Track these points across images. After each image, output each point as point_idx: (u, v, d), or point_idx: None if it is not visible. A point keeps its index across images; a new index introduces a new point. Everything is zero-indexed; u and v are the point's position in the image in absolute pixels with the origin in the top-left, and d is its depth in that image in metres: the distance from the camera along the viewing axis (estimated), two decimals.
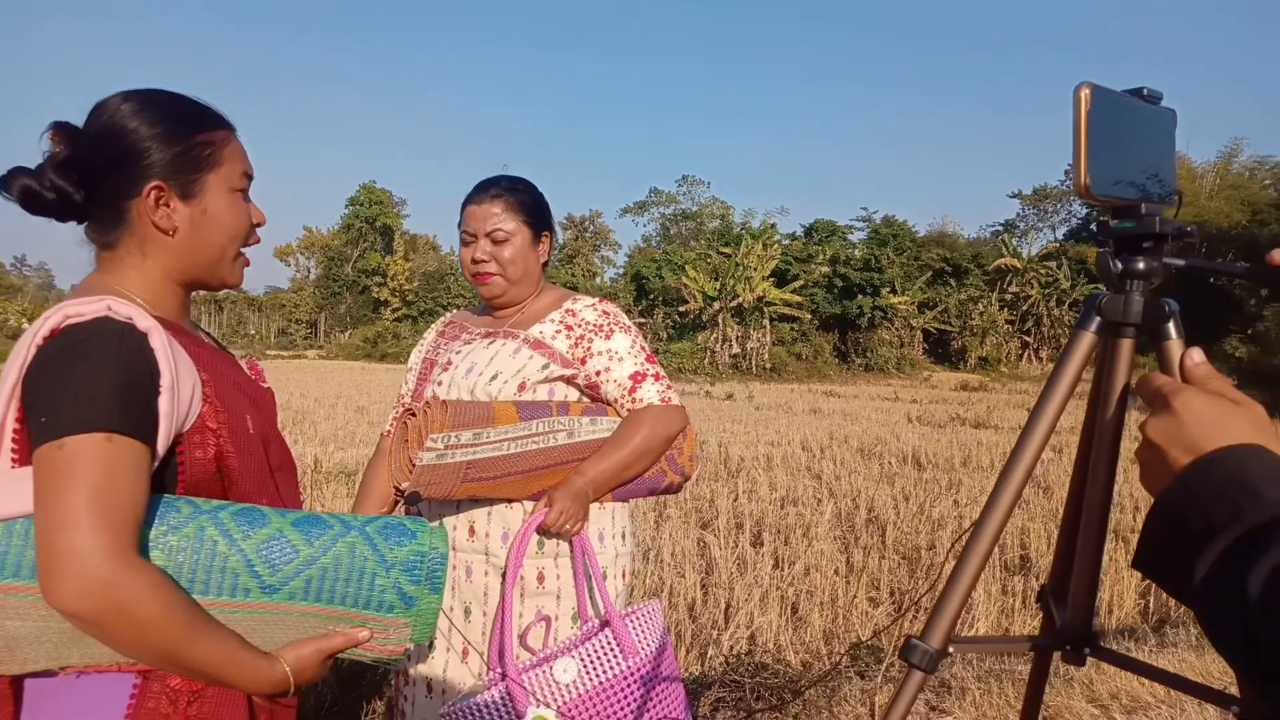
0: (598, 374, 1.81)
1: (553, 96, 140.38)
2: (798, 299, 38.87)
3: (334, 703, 2.95)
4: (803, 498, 7.03)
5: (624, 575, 1.87)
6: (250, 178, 1.17)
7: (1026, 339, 43.66)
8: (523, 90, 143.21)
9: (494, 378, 1.76)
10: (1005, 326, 43.05)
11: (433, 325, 2.11)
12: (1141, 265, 0.87)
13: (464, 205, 1.89)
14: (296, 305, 64.25)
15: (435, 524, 1.71)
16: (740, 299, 37.26)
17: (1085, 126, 0.78)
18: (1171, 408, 0.65)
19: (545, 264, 1.93)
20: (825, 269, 41.63)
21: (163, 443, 0.98)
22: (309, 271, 68.99)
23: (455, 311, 2.12)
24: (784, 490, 7.30)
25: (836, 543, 5.60)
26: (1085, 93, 0.78)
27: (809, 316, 40.06)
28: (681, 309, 39.38)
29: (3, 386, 0.96)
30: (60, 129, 1.04)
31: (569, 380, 1.82)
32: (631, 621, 1.65)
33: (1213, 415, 0.63)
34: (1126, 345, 0.91)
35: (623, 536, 1.87)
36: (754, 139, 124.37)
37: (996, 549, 5.33)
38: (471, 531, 1.77)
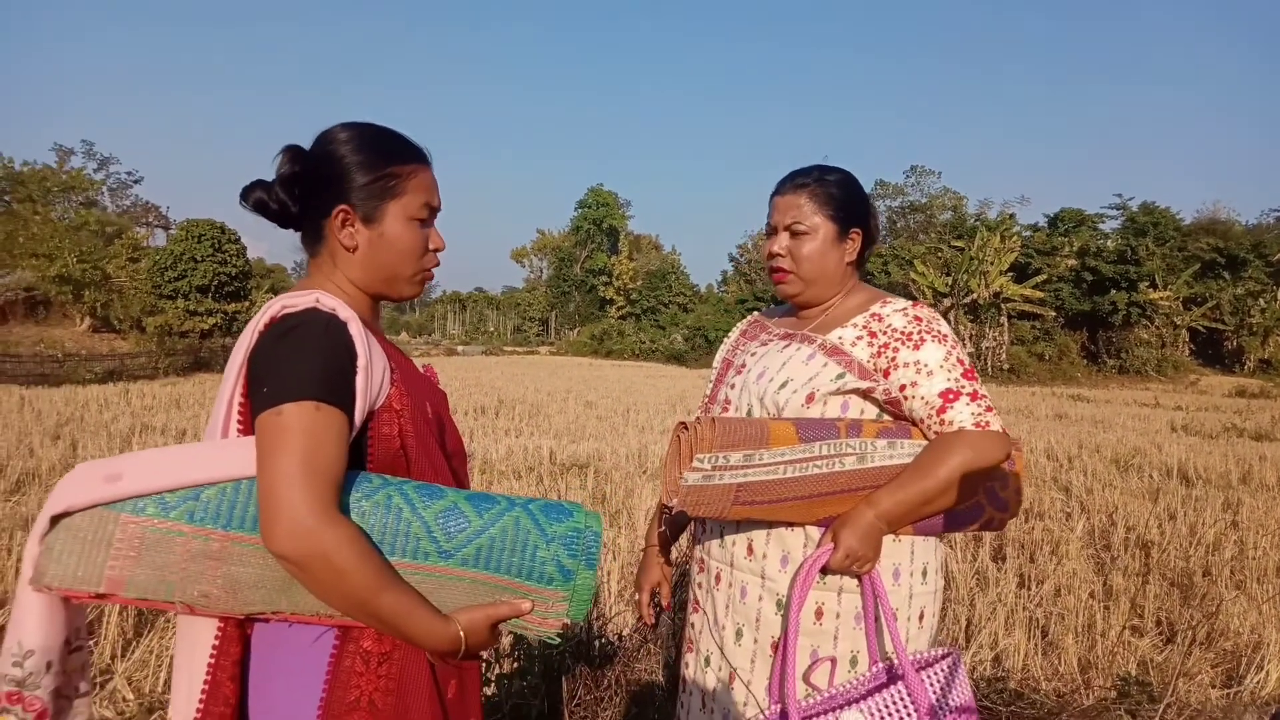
0: (902, 389, 1.57)
1: (776, 91, 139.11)
2: (1040, 294, 36.03)
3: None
4: (1049, 511, 6.50)
5: (921, 617, 1.65)
6: (434, 209, 1.29)
7: None
8: (744, 87, 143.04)
9: (784, 385, 1.62)
10: None
11: (737, 324, 1.98)
12: None
13: (771, 196, 1.75)
14: (530, 304, 68.12)
15: (717, 540, 1.70)
16: (975, 295, 35.12)
17: None
18: None
19: (854, 263, 1.74)
20: (1072, 262, 38.25)
21: (358, 416, 1.10)
22: (541, 272, 72.92)
23: (762, 310, 1.98)
24: (1027, 502, 6.77)
25: (1090, 562, 5.12)
26: None
27: (1053, 313, 37.04)
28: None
29: (232, 366, 1.13)
30: (290, 150, 1.21)
31: (865, 394, 1.62)
32: (929, 676, 1.48)
33: None
34: None
35: (923, 574, 1.65)
36: (989, 126, 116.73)
37: None
38: (750, 550, 1.65)
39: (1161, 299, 36.57)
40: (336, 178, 1.20)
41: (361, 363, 1.11)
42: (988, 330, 35.28)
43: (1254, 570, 4.97)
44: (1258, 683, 3.45)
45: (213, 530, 1.04)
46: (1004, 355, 34.62)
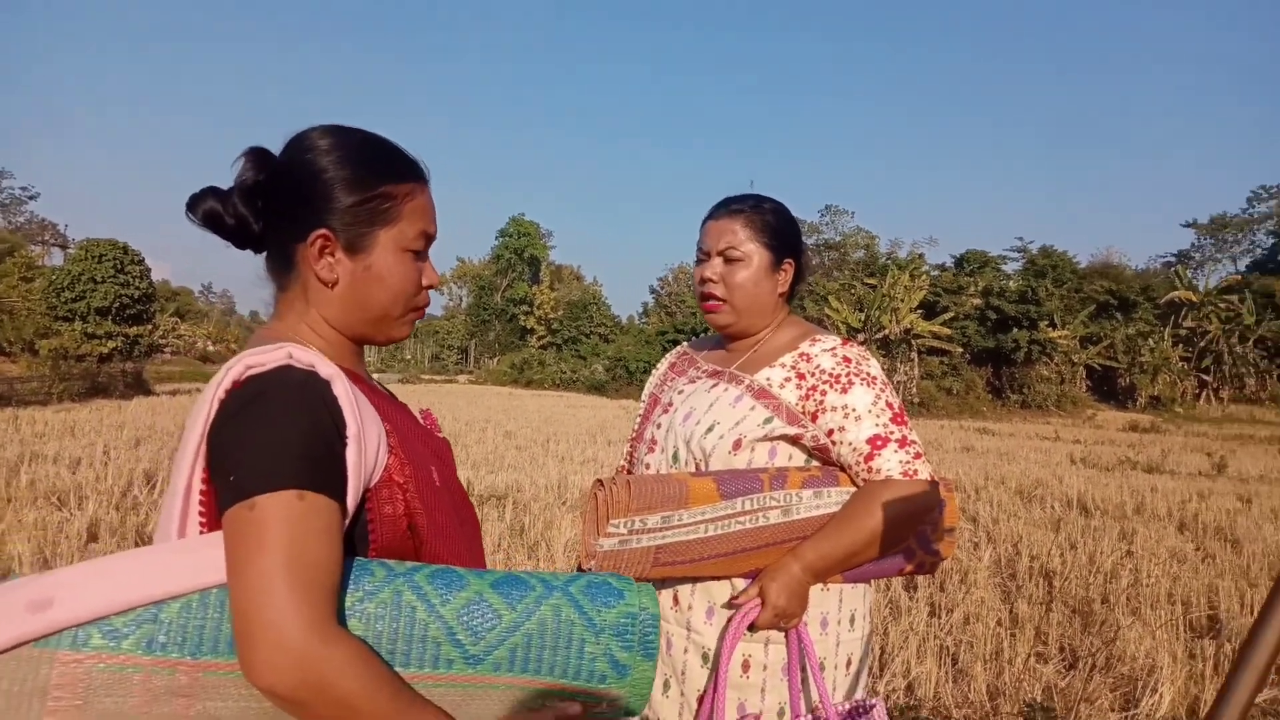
0: (830, 434, 1.53)
1: (693, 128, 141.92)
2: (947, 331, 37.36)
3: None
4: (958, 541, 6.68)
5: (849, 664, 1.62)
6: (430, 238, 1.08)
7: (1205, 377, 40.25)
8: (659, 122, 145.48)
9: (710, 429, 1.56)
10: (1180, 364, 39.87)
11: (666, 356, 1.93)
12: None
13: (704, 221, 1.71)
14: (449, 332, 67.22)
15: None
16: (886, 330, 36.19)
17: None
18: None
19: (786, 295, 1.71)
20: (977, 301, 39.85)
21: (351, 499, 0.90)
22: (461, 300, 72.13)
23: (692, 341, 1.93)
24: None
25: (997, 591, 5.27)
26: None
27: (960, 350, 38.41)
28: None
29: (187, 445, 0.91)
30: (254, 154, 1.00)
31: (794, 440, 1.57)
32: None
33: None
34: None
35: (851, 621, 1.62)
36: (901, 169, 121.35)
37: (1180, 607, 4.91)
38: (675, 601, 1.60)
39: (1060, 337, 38.32)
40: (315, 195, 0.99)
41: (351, 432, 0.90)
42: (899, 365, 36.36)
43: (1148, 597, 5.21)
44: (1153, 705, 3.59)
45: (179, 660, 0.82)
46: (914, 389, 35.68)
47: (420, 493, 1.00)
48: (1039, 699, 3.48)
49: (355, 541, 0.95)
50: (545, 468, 10.05)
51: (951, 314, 38.44)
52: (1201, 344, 40.14)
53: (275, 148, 1.03)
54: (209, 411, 0.90)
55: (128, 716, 0.81)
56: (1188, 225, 55.94)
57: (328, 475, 0.87)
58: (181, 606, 0.83)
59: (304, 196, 0.99)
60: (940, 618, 4.63)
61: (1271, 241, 53.19)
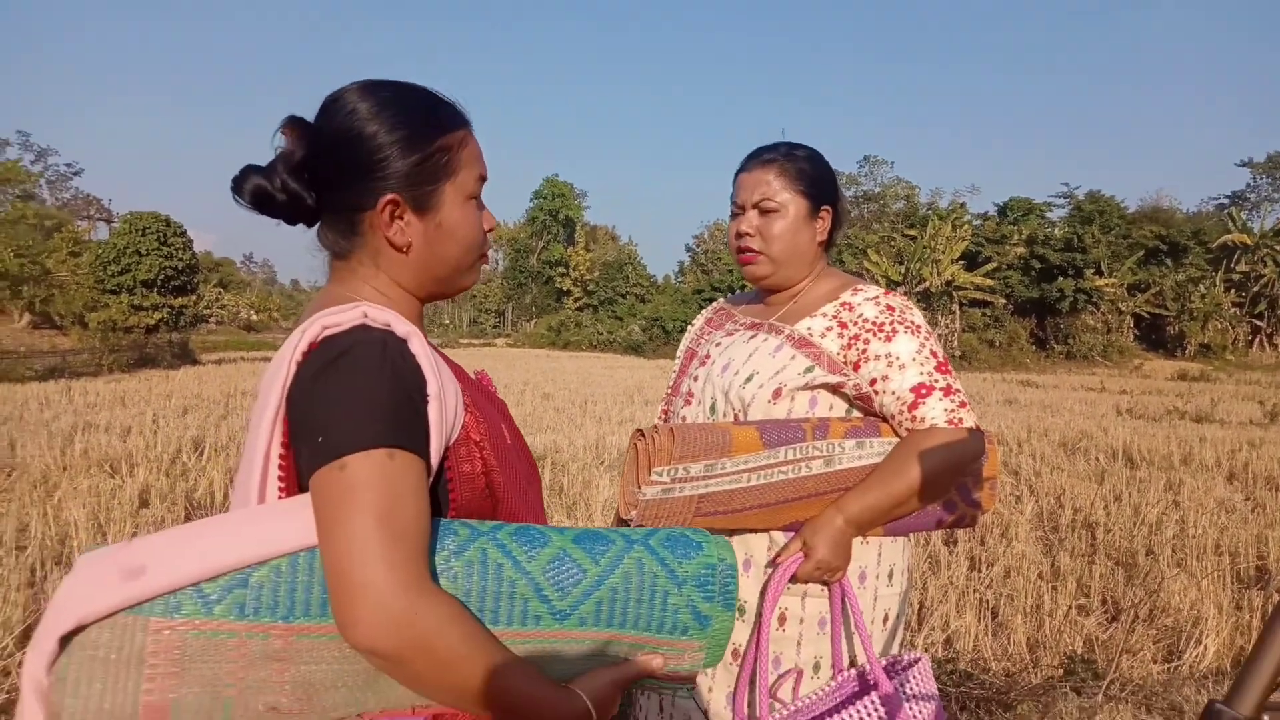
0: (873, 383, 1.51)
1: (727, 81, 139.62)
2: (990, 283, 36.70)
3: None
4: (1001, 495, 6.62)
5: (886, 620, 1.60)
6: (484, 180, 1.07)
7: (1258, 323, 39.16)
8: (698, 78, 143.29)
9: (750, 379, 1.54)
10: (1232, 310, 38.82)
11: (703, 312, 1.89)
12: None
13: (736, 174, 1.67)
14: (486, 296, 67.61)
15: None
16: (927, 283, 35.66)
17: None
18: None
19: (825, 244, 1.67)
20: (1021, 250, 39.01)
21: (435, 457, 0.90)
22: (497, 263, 72.43)
23: (728, 296, 1.89)
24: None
25: (1039, 544, 5.23)
26: None
27: (1003, 301, 37.75)
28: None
29: (264, 410, 0.89)
30: (295, 126, 0.97)
31: (835, 389, 1.54)
32: (903, 685, 1.44)
33: None
34: None
35: (889, 576, 1.60)
36: (941, 116, 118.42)
37: (1228, 558, 4.83)
38: None
39: (1107, 286, 37.47)
40: (374, 161, 0.96)
41: (433, 389, 0.90)
42: (940, 318, 35.86)
43: (1193, 549, 5.12)
44: (1196, 656, 3.56)
45: (271, 624, 0.82)
46: (956, 342, 35.21)
47: (496, 450, 1.00)
48: (1080, 651, 3.46)
49: (437, 500, 0.94)
50: (583, 428, 10.13)
51: (994, 264, 37.71)
52: (1256, 289, 39.00)
53: (310, 113, 1.00)
54: (286, 375, 0.89)
55: (224, 682, 0.81)
56: (1243, 165, 53.90)
57: (415, 433, 0.87)
58: (271, 570, 0.83)
59: (362, 164, 0.97)
60: (980, 571, 4.61)
61: None
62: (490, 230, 1.09)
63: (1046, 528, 5.73)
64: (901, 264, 36.93)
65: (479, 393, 1.07)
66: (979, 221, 42.11)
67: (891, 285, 36.19)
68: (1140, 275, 38.98)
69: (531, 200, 66.01)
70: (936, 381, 1.50)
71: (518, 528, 0.93)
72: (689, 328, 1.89)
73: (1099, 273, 37.76)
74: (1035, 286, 38.24)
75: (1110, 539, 5.39)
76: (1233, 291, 39.34)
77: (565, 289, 61.23)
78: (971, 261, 37.97)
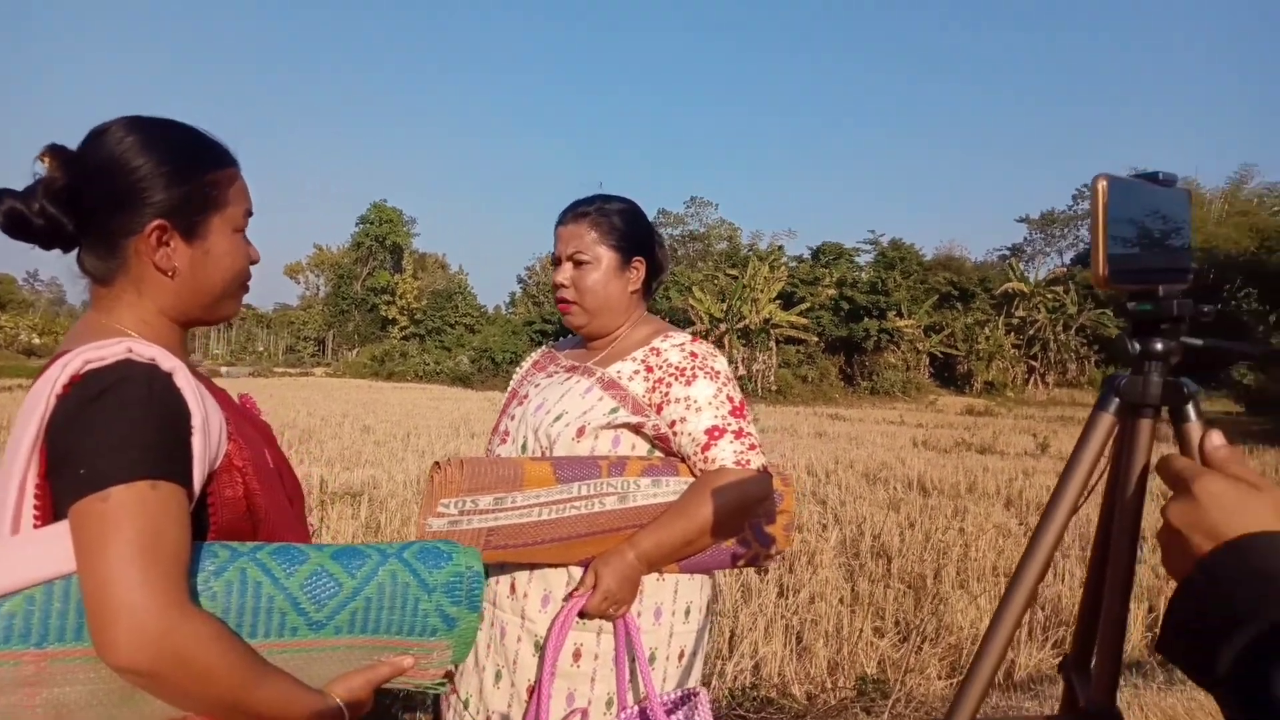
0: (672, 425, 1.59)
1: (561, 117, 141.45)
2: (804, 321, 38.85)
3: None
4: (808, 523, 7.00)
5: (681, 656, 1.65)
6: (251, 215, 1.13)
7: (1033, 363, 43.52)
8: (533, 112, 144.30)
9: (559, 418, 1.60)
10: (1012, 351, 42.92)
11: (531, 354, 1.97)
12: (1159, 346, 0.87)
13: (555, 226, 1.75)
14: (305, 323, 64.49)
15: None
16: (747, 321, 37.26)
17: (1103, 219, 0.79)
18: (1192, 492, 0.64)
19: (640, 293, 1.75)
20: (832, 291, 41.64)
21: (197, 484, 0.95)
22: (318, 289, 69.35)
23: (557, 341, 1.98)
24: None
25: (841, 570, 5.57)
26: (1102, 185, 0.78)
27: (815, 339, 40.04)
28: (688, 330, 39.43)
29: (20, 442, 0.91)
30: (57, 155, 0.99)
31: (637, 429, 1.61)
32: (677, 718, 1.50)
33: (1234, 501, 0.62)
34: (1146, 426, 0.90)
35: (686, 613, 1.65)
36: (763, 162, 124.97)
37: (1004, 579, 5.33)
38: (512, 589, 1.61)
39: (907, 326, 40.54)
40: (143, 188, 1.00)
41: (197, 421, 0.94)
42: (758, 354, 37.54)
43: (974, 570, 5.62)
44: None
45: (23, 651, 0.84)
46: (773, 378, 36.94)
47: (258, 475, 1.05)
48: (872, 672, 3.71)
49: (200, 523, 0.97)
50: (404, 463, 9.83)
51: (808, 304, 39.99)
52: (1031, 332, 43.35)
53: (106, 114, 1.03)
54: (45, 408, 0.90)
55: None
56: (1021, 220, 60.38)
57: (178, 464, 0.92)
58: (24, 599, 0.86)
59: (133, 191, 1.00)
60: (788, 598, 4.85)
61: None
62: (254, 262, 1.15)
63: (849, 554, 6.11)
64: (724, 301, 38.45)
65: (243, 419, 1.12)
66: (795, 263, 44.67)
67: (714, 322, 37.60)
68: (935, 318, 42.46)
69: (357, 225, 63.85)
70: (729, 424, 1.58)
71: (278, 547, 1.00)
72: (517, 369, 1.94)
73: (900, 314, 40.83)
74: (844, 326, 40.88)
75: (904, 564, 5.82)
76: (1012, 334, 43.54)
77: (391, 317, 59.44)
78: (788, 301, 40.10)
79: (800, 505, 7.83)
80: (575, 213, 1.72)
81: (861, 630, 4.30)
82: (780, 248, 46.23)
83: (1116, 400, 0.92)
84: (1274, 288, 34.32)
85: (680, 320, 40.07)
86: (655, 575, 1.59)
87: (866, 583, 5.24)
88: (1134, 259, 0.83)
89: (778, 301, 38.65)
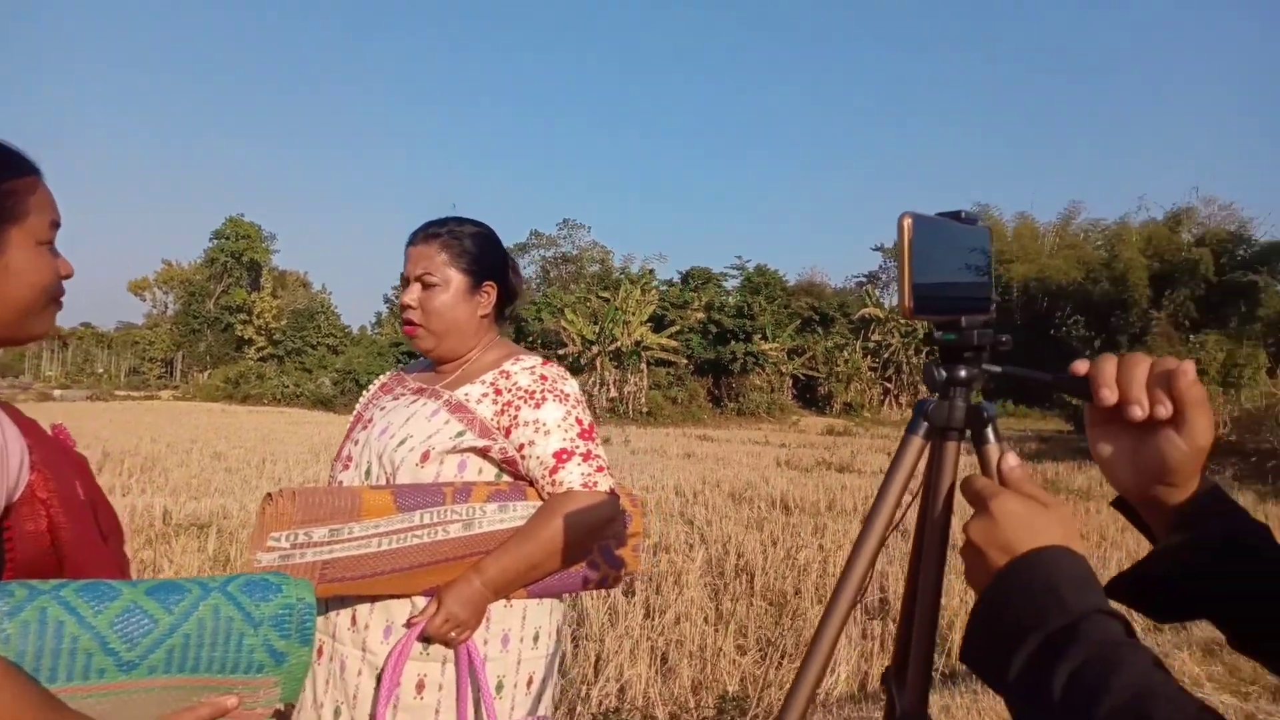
0: (520, 448, 1.59)
1: (430, 135, 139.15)
2: (674, 344, 39.51)
3: None
4: (675, 544, 7.10)
5: (530, 683, 1.63)
6: (58, 226, 1.08)
7: (888, 385, 45.74)
8: (402, 129, 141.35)
9: (403, 442, 1.57)
10: (869, 373, 44.98)
11: (380, 376, 1.92)
12: (963, 373, 0.94)
13: (406, 246, 1.72)
14: (151, 343, 60.51)
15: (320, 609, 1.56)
16: (619, 343, 37.56)
17: (908, 253, 0.85)
18: (989, 510, 0.70)
19: (491, 317, 1.75)
20: (700, 315, 42.55)
21: None
22: (166, 307, 65.33)
23: (408, 364, 1.93)
24: (657, 536, 7.35)
25: (706, 590, 5.67)
26: (907, 222, 0.85)
27: (685, 361, 40.75)
28: (560, 352, 39.38)
29: None
30: None
31: (484, 453, 1.60)
32: None
33: (1025, 518, 0.68)
34: (951, 448, 0.97)
35: (534, 639, 1.64)
36: (635, 186, 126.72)
37: (858, 595, 5.56)
38: (353, 621, 1.55)
39: (771, 350, 41.84)
40: None
41: None
42: (629, 376, 37.88)
43: (832, 585, 5.82)
44: (831, 684, 4.05)
45: None
46: (644, 399, 37.34)
47: (66, 507, 0.99)
48: (734, 689, 3.79)
49: None
50: (258, 491, 9.36)
51: (678, 327, 40.70)
52: (886, 355, 45.57)
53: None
54: None
55: None
56: (876, 249, 63.40)
57: None
58: None
59: None
60: (654, 619, 4.90)
61: None
62: (66, 276, 1.09)
63: (715, 573, 6.23)
64: (596, 324, 38.64)
65: (52, 449, 1.06)
66: (665, 287, 45.40)
67: (586, 344, 37.72)
68: (798, 341, 44.04)
69: (211, 240, 60.59)
70: (578, 447, 1.60)
71: (86, 584, 0.93)
72: (364, 392, 1.90)
73: (765, 338, 42.11)
74: (712, 349, 41.82)
75: (766, 581, 5.99)
76: (869, 357, 45.66)
77: (247, 337, 56.58)
78: (658, 324, 40.70)
79: (668, 526, 7.94)
80: (426, 233, 1.71)
81: (724, 648, 4.39)
82: (651, 271, 46.92)
83: (925, 424, 0.99)
84: (1098, 315, 37.55)
85: (552, 342, 40.00)
86: (503, 601, 1.58)
87: (730, 601, 5.36)
88: (938, 292, 0.90)
89: (649, 324, 39.17)
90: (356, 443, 1.68)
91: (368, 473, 1.62)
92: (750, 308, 42.38)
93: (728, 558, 6.67)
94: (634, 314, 37.98)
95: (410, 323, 1.70)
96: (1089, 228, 44.56)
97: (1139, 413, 0.68)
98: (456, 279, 1.68)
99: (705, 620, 4.91)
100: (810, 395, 44.63)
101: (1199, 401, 0.68)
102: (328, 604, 1.57)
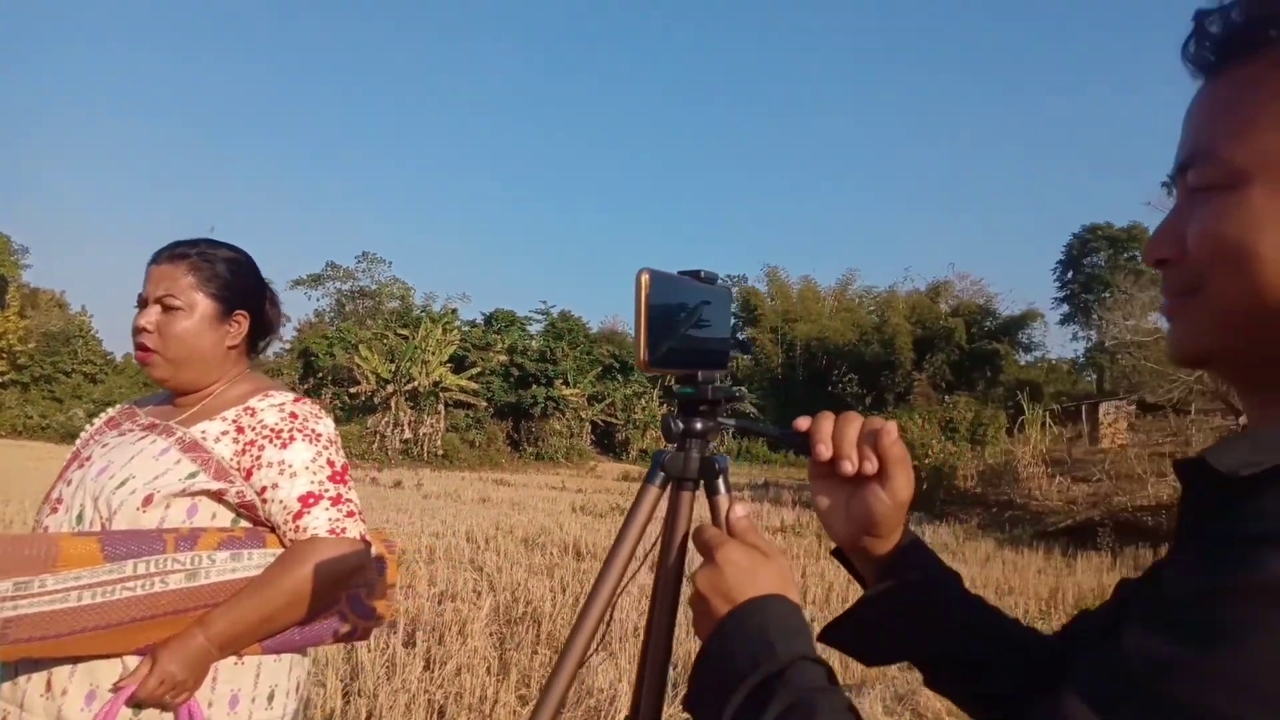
0: (263, 491, 1.47)
1: (226, 159, 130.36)
2: (474, 385, 38.86)
3: None
4: (462, 592, 6.92)
5: None
6: None
7: None
8: (194, 150, 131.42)
9: (123, 483, 1.42)
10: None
11: (108, 409, 1.74)
12: (699, 426, 1.00)
13: (147, 265, 1.58)
14: None
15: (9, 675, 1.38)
16: (416, 383, 36.44)
17: (645, 308, 0.89)
18: (715, 559, 0.73)
19: (241, 350, 1.63)
20: (503, 357, 42.21)
21: None
22: None
23: (143, 397, 1.76)
24: (444, 584, 7.13)
25: (492, 639, 5.55)
26: (645, 278, 0.90)
27: (485, 404, 40.15)
28: (352, 390, 37.61)
29: None
30: None
31: (217, 496, 1.47)
32: None
33: (746, 567, 0.72)
34: (687, 497, 1.02)
35: (269, 699, 1.50)
36: (439, 224, 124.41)
37: (644, 637, 5.65)
38: (48, 687, 1.37)
39: (572, 395, 42.12)
40: None
41: None
42: (426, 417, 36.78)
43: (618, 631, 5.89)
44: None
45: None
46: (439, 441, 36.33)
47: None
48: None
49: None
50: None
51: (479, 369, 40.11)
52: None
53: None
54: None
55: None
56: None
57: None
58: None
59: None
60: (434, 671, 4.72)
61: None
62: None
63: (501, 621, 6.12)
64: (393, 361, 37.32)
65: None
66: (468, 328, 44.73)
67: (381, 382, 36.29)
68: (598, 387, 44.66)
69: None
70: (327, 490, 1.50)
71: None
72: (87, 426, 1.71)
73: (566, 383, 42.37)
74: (513, 392, 41.51)
75: (553, 628, 5.95)
76: (665, 406, 47.06)
77: None
78: (459, 364, 39.90)
79: (456, 573, 7.72)
80: (173, 253, 1.58)
81: (504, 699, 4.30)
82: (454, 311, 46.00)
83: (662, 473, 1.03)
84: (870, 374, 40.82)
85: (344, 379, 38.15)
86: (233, 658, 1.45)
87: (515, 650, 5.27)
88: (675, 346, 0.95)
89: (449, 364, 38.33)
90: (69, 483, 1.49)
91: (79, 517, 1.44)
92: (553, 352, 42.55)
93: (516, 605, 6.57)
94: (434, 353, 37.04)
95: (144, 347, 1.55)
96: (863, 293, 48.55)
97: (849, 468, 0.75)
98: (203, 304, 1.57)
99: (488, 671, 4.79)
100: (609, 441, 45.20)
101: (900, 459, 0.75)
102: (17, 668, 1.39)
